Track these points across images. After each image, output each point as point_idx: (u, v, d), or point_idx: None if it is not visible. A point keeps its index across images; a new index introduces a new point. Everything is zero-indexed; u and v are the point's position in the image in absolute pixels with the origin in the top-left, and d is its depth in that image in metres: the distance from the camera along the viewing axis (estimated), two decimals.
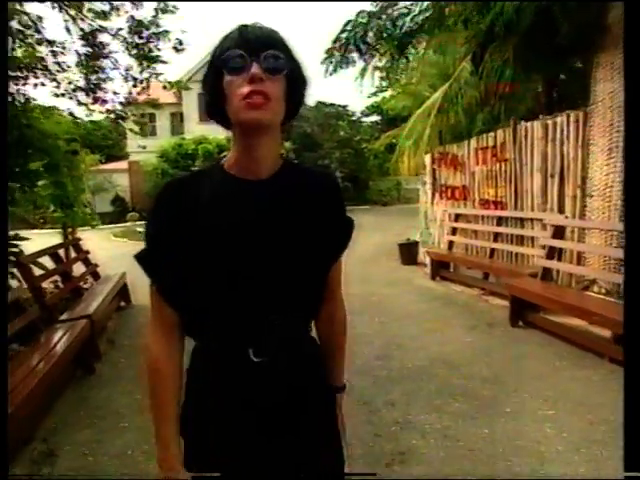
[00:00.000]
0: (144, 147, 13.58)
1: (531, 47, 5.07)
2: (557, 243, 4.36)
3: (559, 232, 4.45)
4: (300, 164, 1.05)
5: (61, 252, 5.08)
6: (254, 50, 0.82)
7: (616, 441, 2.46)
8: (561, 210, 4.94)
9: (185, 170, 19.61)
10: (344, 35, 6.81)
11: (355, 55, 7.00)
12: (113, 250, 10.03)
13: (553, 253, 4.48)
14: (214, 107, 0.89)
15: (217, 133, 20.04)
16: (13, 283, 3.70)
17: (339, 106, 24.01)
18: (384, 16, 6.27)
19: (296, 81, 0.89)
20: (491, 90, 6.03)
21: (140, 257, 0.92)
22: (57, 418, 2.93)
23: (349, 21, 6.66)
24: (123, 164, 22.46)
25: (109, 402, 3.16)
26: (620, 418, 2.82)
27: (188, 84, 9.82)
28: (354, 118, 25.43)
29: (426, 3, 6.18)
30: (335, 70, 7.44)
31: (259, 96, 0.81)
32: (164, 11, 5.07)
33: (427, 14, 6.06)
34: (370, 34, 6.54)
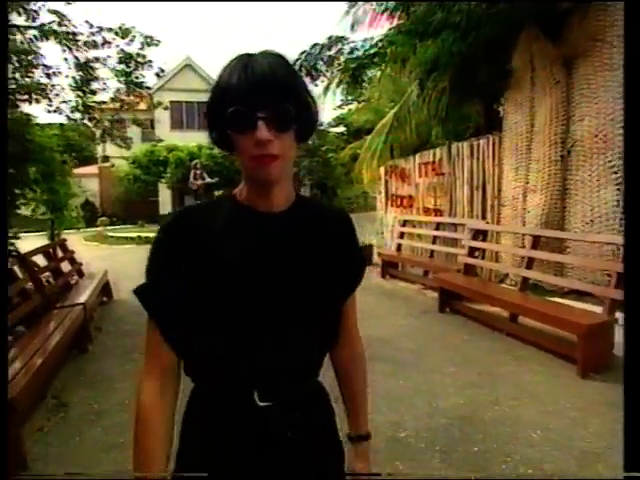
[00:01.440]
0: (125, 153, 14.05)
1: (461, 81, 6.05)
2: (474, 244, 5.32)
3: (478, 235, 5.41)
4: (313, 199, 1.00)
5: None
6: (259, 102, 0.75)
7: (489, 384, 3.39)
8: (484, 216, 5.94)
9: (157, 177, 20.02)
10: (298, 62, 7.73)
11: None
12: (87, 253, 10.48)
13: (473, 252, 5.44)
14: (220, 140, 0.85)
15: (188, 140, 20.58)
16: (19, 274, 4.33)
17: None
18: (335, 49, 7.17)
19: (306, 120, 0.83)
20: (431, 113, 7.01)
21: (139, 292, 0.85)
22: (62, 383, 3.61)
23: (304, 51, 7.57)
24: (93, 169, 22.62)
25: (103, 371, 3.85)
26: (501, 370, 4.06)
27: (160, 91, 10.47)
28: (322, 128, 26.40)
29: (376, 39, 7.14)
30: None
31: (268, 158, 0.77)
32: (149, 44, 5.85)
33: (376, 49, 7.00)
34: (321, 62, 7.44)
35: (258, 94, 0.74)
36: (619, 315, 3.70)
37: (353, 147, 14.74)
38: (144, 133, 25.81)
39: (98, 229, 17.96)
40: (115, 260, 9.37)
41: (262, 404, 0.84)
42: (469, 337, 4.44)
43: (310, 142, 24.21)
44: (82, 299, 4.59)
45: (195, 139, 21.14)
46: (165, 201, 22.84)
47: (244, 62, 0.77)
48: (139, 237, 14.16)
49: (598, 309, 3.80)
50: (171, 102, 18.77)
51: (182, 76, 21.85)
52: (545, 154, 4.89)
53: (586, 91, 4.52)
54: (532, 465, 2.39)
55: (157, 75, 6.08)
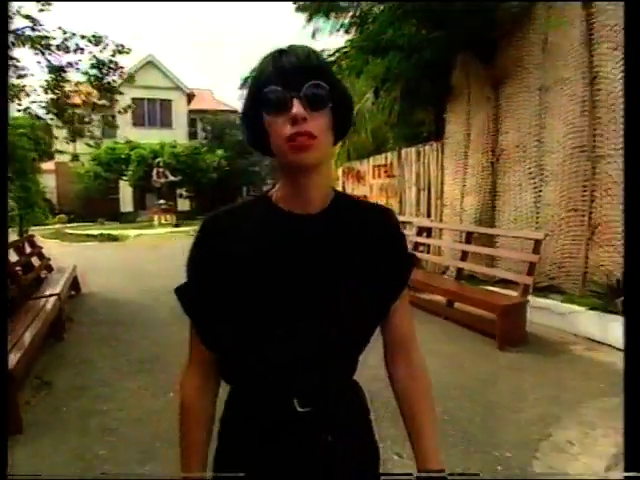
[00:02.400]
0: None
1: (409, 93, 6.70)
2: (419, 239, 5.98)
3: (422, 231, 6.07)
4: (352, 197, 0.97)
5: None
6: (293, 83, 0.75)
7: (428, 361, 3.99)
8: (429, 215, 6.62)
9: (119, 174, 19.82)
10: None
11: None
12: (49, 250, 10.50)
13: (418, 247, 6.09)
14: (256, 140, 0.84)
15: (149, 138, 20.47)
16: None
17: None
18: None
19: (341, 107, 0.81)
20: (385, 119, 7.64)
21: (179, 291, 0.88)
22: (43, 366, 3.93)
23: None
24: (49, 165, 22.06)
25: (81, 355, 4.20)
26: (435, 347, 4.82)
27: (121, 88, 10.63)
28: None
29: (333, 50, 7.68)
30: None
31: (304, 137, 0.75)
32: (120, 52, 6.16)
33: (333, 58, 7.55)
34: None
35: (292, 74, 0.75)
36: (531, 298, 4.43)
37: None
38: (105, 130, 25.54)
39: (56, 226, 17.67)
40: (80, 256, 9.47)
41: (302, 410, 0.83)
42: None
43: None
44: (56, 290, 4.88)
45: (156, 136, 21.05)
46: (126, 199, 22.61)
47: (277, 52, 0.79)
48: (101, 234, 14.15)
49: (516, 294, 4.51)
50: (133, 99, 18.58)
51: (144, 73, 21.63)
52: (478, 161, 5.59)
53: (510, 108, 5.24)
54: (448, 413, 2.99)
55: (127, 80, 6.37)
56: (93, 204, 20.90)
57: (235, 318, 0.83)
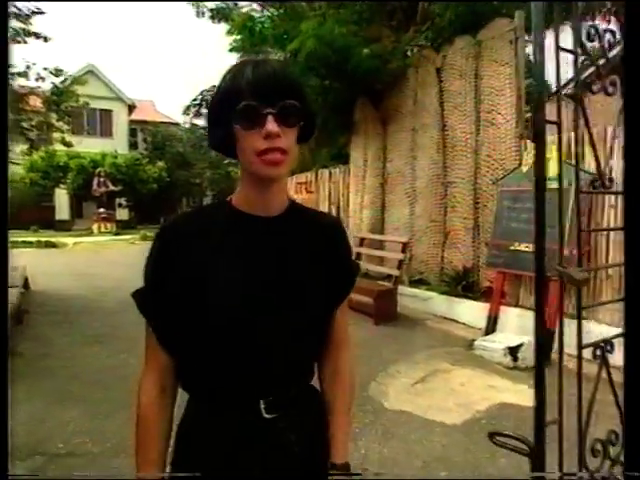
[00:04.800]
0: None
1: (320, 128, 8.15)
2: None
3: None
4: (304, 206, 1.01)
5: None
6: (269, 99, 0.77)
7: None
8: None
9: (56, 182, 19.83)
10: (199, 99, 9.45)
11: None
12: None
13: None
14: (220, 144, 0.86)
15: (88, 146, 20.65)
16: None
17: None
18: None
19: (309, 122, 0.85)
20: (305, 145, 9.04)
21: (136, 296, 0.87)
22: (11, 342, 4.84)
23: (201, 91, 9.31)
24: None
25: (42, 333, 5.15)
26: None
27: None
28: None
29: None
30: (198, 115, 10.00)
31: (276, 153, 0.77)
32: (78, 83, 7.17)
33: None
34: None
35: (267, 90, 0.76)
36: (405, 288, 5.95)
37: None
38: (39, 136, 25.22)
39: None
40: (21, 261, 9.98)
41: (268, 416, 0.84)
42: None
43: (213, 155, 25.40)
44: (17, 282, 5.75)
45: (96, 145, 21.25)
46: (62, 207, 22.48)
47: (251, 63, 0.80)
48: (39, 241, 14.44)
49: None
50: (71, 107, 18.76)
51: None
52: (372, 182, 7.12)
53: (394, 142, 6.83)
54: None
55: (83, 107, 7.36)
56: (25, 211, 20.63)
57: (196, 321, 0.82)
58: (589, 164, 3.44)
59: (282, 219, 0.89)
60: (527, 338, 4.29)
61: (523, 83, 5.09)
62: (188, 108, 9.58)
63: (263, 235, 0.87)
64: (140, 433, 0.89)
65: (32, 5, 7.32)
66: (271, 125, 0.76)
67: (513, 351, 4.24)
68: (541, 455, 0.85)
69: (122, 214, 22.03)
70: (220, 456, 0.85)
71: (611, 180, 0.99)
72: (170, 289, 0.84)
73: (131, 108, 25.00)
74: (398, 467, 2.64)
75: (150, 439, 0.88)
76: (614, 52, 0.96)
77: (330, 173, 8.24)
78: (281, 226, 0.89)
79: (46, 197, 21.49)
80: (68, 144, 7.81)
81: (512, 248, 4.78)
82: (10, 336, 5.01)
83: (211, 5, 8.68)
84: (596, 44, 0.93)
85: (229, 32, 7.46)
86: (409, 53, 6.79)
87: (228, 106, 0.79)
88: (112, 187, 18.59)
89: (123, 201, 21.24)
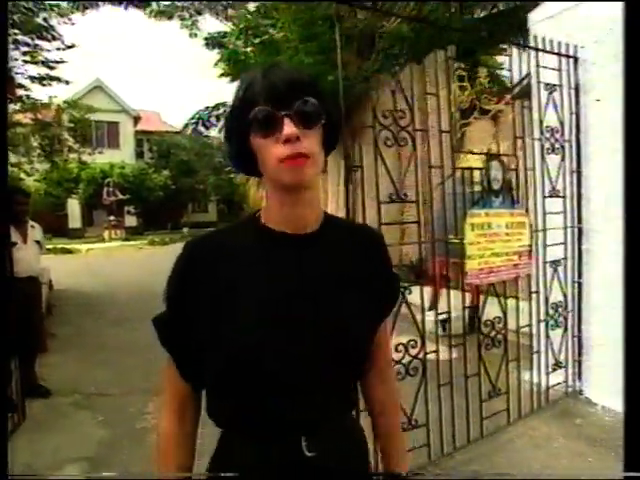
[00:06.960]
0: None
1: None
2: None
3: None
4: (340, 218, 0.94)
5: None
6: (284, 101, 0.72)
7: None
8: None
9: (69, 192, 21.14)
10: (195, 118, 10.58)
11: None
12: None
13: None
14: (241, 163, 0.81)
15: (97, 158, 21.93)
16: None
17: (215, 137, 27.24)
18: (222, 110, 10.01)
19: (331, 120, 0.78)
20: None
21: (157, 323, 0.83)
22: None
23: (197, 111, 10.44)
24: None
25: (68, 320, 6.33)
26: None
27: (70, 109, 12.43)
28: None
29: None
30: (197, 131, 11.18)
31: (297, 158, 0.71)
32: (91, 111, 8.40)
33: None
34: (213, 119, 10.30)
35: (281, 93, 0.72)
36: None
37: None
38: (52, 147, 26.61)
39: None
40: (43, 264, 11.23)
41: (310, 454, 0.77)
42: None
43: (217, 160, 26.45)
44: (45, 280, 6.93)
45: (104, 157, 22.53)
46: (74, 215, 23.85)
47: (264, 70, 0.76)
48: (55, 248, 15.73)
49: None
50: (80, 121, 19.93)
51: (91, 97, 23.11)
52: (341, 190, 8.23)
53: (358, 155, 7.93)
54: None
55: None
56: (40, 221, 21.88)
57: (224, 349, 0.76)
58: None
59: (316, 237, 0.82)
60: (455, 313, 5.35)
61: (455, 104, 6.16)
62: (186, 126, 10.70)
63: (296, 256, 0.80)
64: (160, 465, 0.85)
65: (57, 56, 8.63)
66: (288, 128, 0.71)
67: (442, 323, 5.31)
68: None
69: (130, 221, 23.33)
70: None
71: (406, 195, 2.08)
72: (194, 312, 0.78)
73: (136, 120, 26.29)
74: None
75: (168, 470, 0.85)
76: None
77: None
78: (315, 245, 0.82)
79: (59, 207, 22.83)
80: (83, 163, 8.98)
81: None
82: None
83: (204, 34, 9.86)
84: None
85: (216, 64, 8.61)
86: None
87: (242, 117, 0.74)
88: (121, 196, 19.85)
89: (131, 209, 22.50)
